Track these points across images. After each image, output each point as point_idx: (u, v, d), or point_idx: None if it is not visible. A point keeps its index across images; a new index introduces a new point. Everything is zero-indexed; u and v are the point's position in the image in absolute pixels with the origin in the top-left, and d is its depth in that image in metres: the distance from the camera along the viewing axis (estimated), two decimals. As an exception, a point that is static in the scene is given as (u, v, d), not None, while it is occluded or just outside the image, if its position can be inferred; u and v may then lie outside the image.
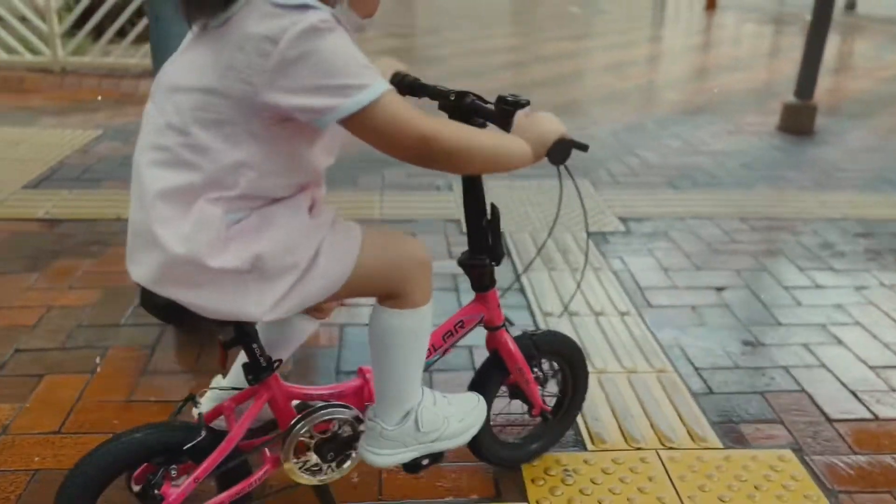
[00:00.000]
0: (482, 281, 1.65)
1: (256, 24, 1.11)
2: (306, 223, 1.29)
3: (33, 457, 1.90)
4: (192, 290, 1.24)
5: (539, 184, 3.95)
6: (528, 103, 1.41)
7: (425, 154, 1.20)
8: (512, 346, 1.73)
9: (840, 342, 2.56)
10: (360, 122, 1.15)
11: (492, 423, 1.81)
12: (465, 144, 1.24)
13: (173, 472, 1.41)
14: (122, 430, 1.98)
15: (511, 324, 1.75)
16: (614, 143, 4.83)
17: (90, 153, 4.30)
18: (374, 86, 1.13)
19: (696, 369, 2.38)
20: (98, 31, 6.21)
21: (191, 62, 1.20)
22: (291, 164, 1.25)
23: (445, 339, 1.65)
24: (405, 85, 1.62)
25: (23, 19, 6.17)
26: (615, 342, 2.50)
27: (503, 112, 1.41)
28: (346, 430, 1.56)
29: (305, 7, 1.11)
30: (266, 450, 1.55)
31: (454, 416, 1.59)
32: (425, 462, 1.58)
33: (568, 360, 1.89)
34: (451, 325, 1.65)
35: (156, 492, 1.38)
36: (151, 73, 2.10)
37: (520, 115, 1.40)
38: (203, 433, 1.41)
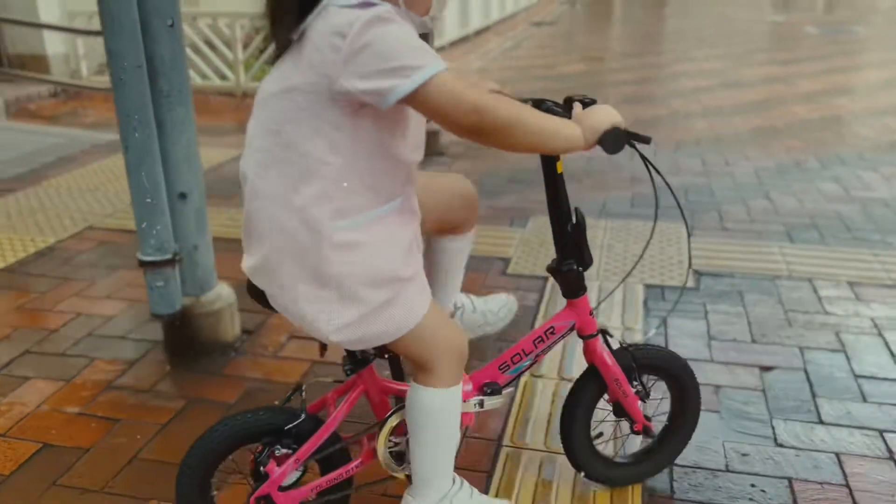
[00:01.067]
0: (571, 287, 1.67)
1: (327, 25, 1.27)
2: (400, 258, 1.41)
3: (-34, 455, 2.06)
4: (278, 287, 1.40)
5: (626, 224, 3.58)
6: (592, 102, 1.50)
7: (479, 125, 1.28)
8: (608, 357, 1.72)
9: (892, 457, 1.99)
10: (420, 100, 1.26)
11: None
12: (515, 116, 1.31)
13: (277, 453, 1.55)
14: (56, 441, 2.13)
15: (609, 335, 1.73)
16: (751, 183, 4.24)
17: (219, 171, 4.61)
18: (430, 66, 1.24)
19: (671, 466, 1.97)
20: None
21: (279, 72, 1.37)
22: (376, 152, 1.36)
23: (536, 344, 1.68)
24: None
25: (212, 47, 6.91)
26: (592, 418, 2.15)
27: (567, 107, 1.52)
28: None
29: (368, 4, 1.26)
30: (365, 440, 1.65)
31: None
32: None
33: (673, 378, 1.83)
34: (542, 331, 1.68)
35: (262, 469, 1.55)
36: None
37: (577, 106, 1.49)
38: (302, 416, 1.56)
